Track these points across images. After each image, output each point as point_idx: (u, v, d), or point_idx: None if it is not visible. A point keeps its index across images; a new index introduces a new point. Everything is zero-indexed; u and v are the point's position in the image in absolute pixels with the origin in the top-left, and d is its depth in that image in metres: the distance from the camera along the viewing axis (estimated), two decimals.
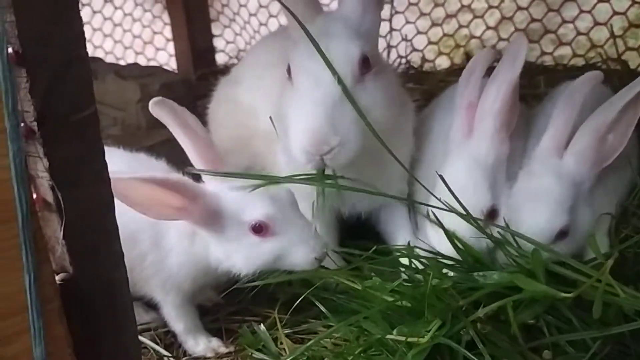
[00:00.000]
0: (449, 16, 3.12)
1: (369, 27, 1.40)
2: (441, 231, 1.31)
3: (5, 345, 0.85)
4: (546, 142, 1.42)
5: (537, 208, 1.34)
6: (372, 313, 1.15)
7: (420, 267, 1.29)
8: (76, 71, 0.93)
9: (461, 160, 1.41)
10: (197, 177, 1.43)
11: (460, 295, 1.10)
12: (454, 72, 3.04)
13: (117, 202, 1.01)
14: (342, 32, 1.34)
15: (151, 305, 1.50)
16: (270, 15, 3.41)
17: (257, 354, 1.35)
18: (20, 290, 0.85)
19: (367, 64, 1.33)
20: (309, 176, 1.33)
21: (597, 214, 1.39)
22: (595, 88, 1.51)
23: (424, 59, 3.14)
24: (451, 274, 1.25)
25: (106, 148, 0.98)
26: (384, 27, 3.04)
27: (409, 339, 1.06)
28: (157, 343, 1.46)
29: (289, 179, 1.34)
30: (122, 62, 3.48)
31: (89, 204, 0.98)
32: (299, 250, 1.33)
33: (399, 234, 1.60)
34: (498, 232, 1.30)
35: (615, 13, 2.65)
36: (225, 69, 3.44)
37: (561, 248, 1.30)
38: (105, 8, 3.56)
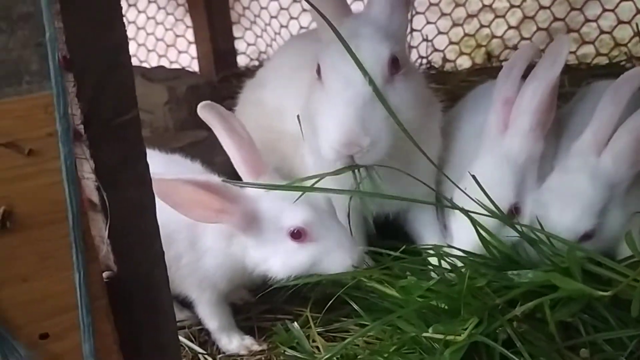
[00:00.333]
0: (470, 16, 3.12)
1: (397, 27, 1.41)
2: (467, 229, 1.31)
3: (55, 342, 0.87)
4: (586, 138, 1.40)
5: (566, 208, 1.34)
6: (407, 312, 1.15)
7: (449, 266, 1.29)
8: (120, 75, 0.95)
9: (491, 156, 1.41)
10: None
11: (495, 294, 1.11)
12: (476, 72, 3.03)
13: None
14: (371, 33, 1.35)
15: (185, 304, 1.52)
16: (291, 18, 3.44)
17: (290, 352, 1.36)
18: (71, 288, 0.87)
19: (396, 64, 1.34)
20: (340, 172, 1.33)
21: (631, 214, 1.38)
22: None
23: (445, 59, 3.14)
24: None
25: None
26: None
27: (447, 337, 1.06)
28: (191, 341, 1.48)
29: (326, 190, 1.34)
30: (145, 65, 3.53)
31: (131, 205, 1.00)
32: (335, 256, 1.35)
33: (427, 234, 1.61)
34: (527, 230, 1.30)
35: (639, 11, 2.63)
36: (247, 71, 3.48)
37: None
38: (129, 12, 3.61)
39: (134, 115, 0.98)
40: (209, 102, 1.48)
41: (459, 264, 1.27)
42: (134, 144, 0.99)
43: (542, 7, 2.92)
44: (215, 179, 1.39)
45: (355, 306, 1.34)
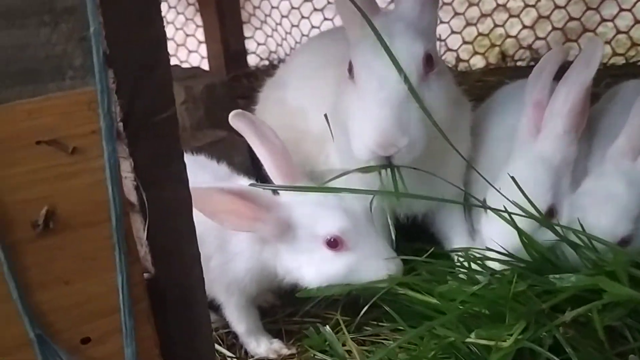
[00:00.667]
0: (483, 15, 3.09)
1: (427, 24, 1.38)
2: (502, 231, 1.29)
3: (98, 345, 0.84)
4: (620, 143, 1.38)
5: (602, 213, 1.31)
6: (450, 318, 1.12)
7: (480, 269, 1.26)
8: (159, 72, 0.92)
9: (525, 158, 1.39)
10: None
11: (538, 299, 1.08)
12: (490, 72, 3.01)
13: None
14: (404, 31, 1.32)
15: (212, 306, 1.49)
16: (302, 17, 3.41)
17: (320, 356, 1.33)
18: (113, 291, 0.85)
19: (430, 62, 1.31)
20: (370, 170, 1.30)
21: None
22: None
23: (458, 59, 3.12)
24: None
25: None
26: None
27: (491, 343, 1.03)
28: (219, 344, 1.45)
29: (358, 191, 1.31)
30: None
31: (168, 205, 0.98)
32: (371, 266, 1.33)
33: (455, 236, 1.58)
34: (566, 233, 1.27)
35: None
36: (257, 71, 3.46)
37: None
38: None
39: (172, 112, 0.95)
40: (239, 110, 1.47)
41: (496, 267, 1.24)
42: (171, 142, 0.96)
43: (557, 7, 2.90)
44: (248, 187, 1.36)
45: (390, 311, 1.30)
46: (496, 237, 1.29)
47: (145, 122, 0.92)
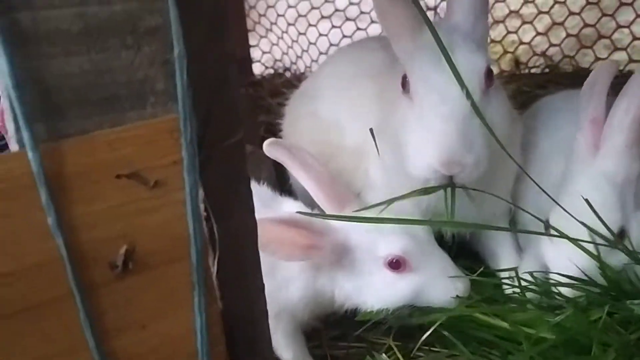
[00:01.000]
0: (496, 22, 3.06)
1: (482, 37, 1.33)
2: (569, 254, 1.24)
3: None
4: None
5: None
6: (539, 349, 1.06)
7: (553, 296, 1.21)
8: (229, 93, 0.86)
9: (587, 177, 1.33)
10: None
11: (620, 327, 1.02)
12: (504, 79, 2.97)
13: None
14: (463, 43, 1.27)
15: None
16: (310, 25, 3.35)
17: None
18: (190, 332, 0.78)
19: (490, 76, 1.26)
20: (432, 191, 1.25)
21: None
22: None
23: None
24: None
25: None
26: None
27: None
28: None
29: (415, 221, 1.26)
30: None
31: (237, 235, 0.91)
32: (438, 287, 1.27)
33: (504, 255, 1.52)
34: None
35: None
36: (262, 80, 3.39)
37: None
38: None
39: (240, 137, 0.89)
40: (273, 139, 1.42)
41: (568, 293, 1.18)
42: (240, 167, 0.90)
43: (571, 13, 2.87)
44: (299, 214, 1.30)
45: (450, 337, 1.24)
46: (564, 261, 1.23)
47: (216, 148, 0.85)
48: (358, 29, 3.17)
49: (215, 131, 0.85)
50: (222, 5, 0.80)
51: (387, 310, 1.30)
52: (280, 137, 1.96)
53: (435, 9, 2.98)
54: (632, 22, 2.71)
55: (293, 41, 3.41)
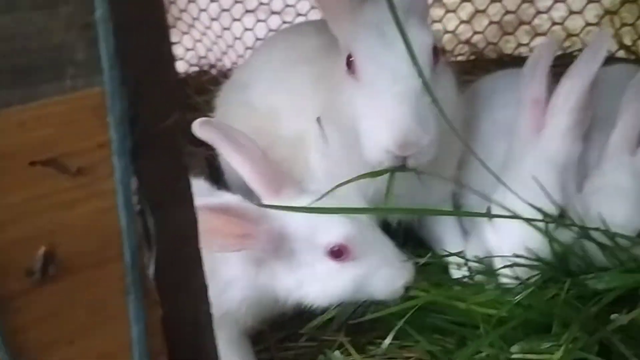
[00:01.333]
0: None
1: (423, 11, 1.28)
2: (515, 234, 1.21)
3: None
4: (615, 140, 1.35)
5: (616, 209, 1.27)
6: (502, 331, 1.02)
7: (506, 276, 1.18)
8: (163, 67, 0.75)
9: (530, 159, 1.32)
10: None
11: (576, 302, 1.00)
12: None
13: None
14: (408, 19, 1.20)
15: None
16: (234, 19, 3.23)
17: None
18: (126, 346, 0.67)
19: (437, 53, 1.22)
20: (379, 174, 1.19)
21: None
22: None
23: None
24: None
25: None
26: None
27: (541, 357, 0.94)
28: None
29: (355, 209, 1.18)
30: None
31: (177, 230, 0.81)
32: (384, 275, 1.20)
33: (448, 238, 1.49)
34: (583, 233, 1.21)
35: (589, 1, 2.68)
36: (188, 78, 3.24)
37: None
38: None
39: (177, 117, 0.79)
40: (205, 118, 1.32)
41: (523, 273, 1.15)
42: (177, 154, 0.80)
43: (493, 1, 2.91)
44: (232, 200, 1.20)
45: (410, 331, 1.18)
46: (512, 241, 1.21)
47: (151, 128, 0.75)
48: (284, 22, 3.09)
49: (149, 109, 0.74)
50: None
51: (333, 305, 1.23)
52: None
53: None
54: (550, 8, 2.79)
55: (217, 37, 3.28)
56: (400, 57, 1.15)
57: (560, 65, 2.62)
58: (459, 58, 3.03)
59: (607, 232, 1.18)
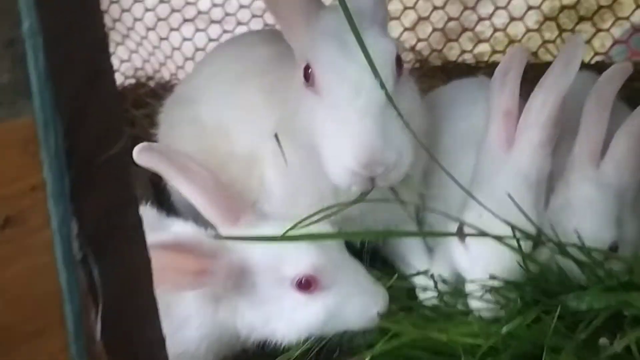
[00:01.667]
0: None
1: (383, 18, 1.21)
2: (489, 255, 1.16)
3: None
4: (578, 151, 1.31)
5: (584, 223, 1.24)
6: None
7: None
8: (104, 89, 0.64)
9: (502, 174, 1.26)
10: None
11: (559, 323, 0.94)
12: None
13: None
14: (368, 26, 1.13)
15: None
16: (172, 29, 3.10)
17: None
18: None
19: (400, 63, 1.14)
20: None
21: None
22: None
23: None
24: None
25: None
26: None
27: None
28: None
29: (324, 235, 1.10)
30: None
31: (125, 278, 0.70)
32: (357, 305, 1.12)
33: (413, 258, 1.42)
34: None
35: (530, 7, 2.72)
36: (124, 90, 3.08)
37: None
38: None
39: (123, 144, 0.67)
40: (146, 143, 1.21)
41: (499, 300, 1.09)
42: (124, 186, 0.68)
43: (435, 8, 2.91)
44: (185, 234, 1.09)
45: None
46: (486, 263, 1.15)
47: (93, 162, 0.63)
48: (225, 31, 3.00)
49: (90, 139, 0.63)
50: None
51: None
52: None
53: None
54: (492, 14, 2.81)
55: (154, 47, 3.14)
56: (362, 68, 1.08)
57: None
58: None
59: (582, 248, 1.14)
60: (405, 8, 2.95)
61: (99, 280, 0.63)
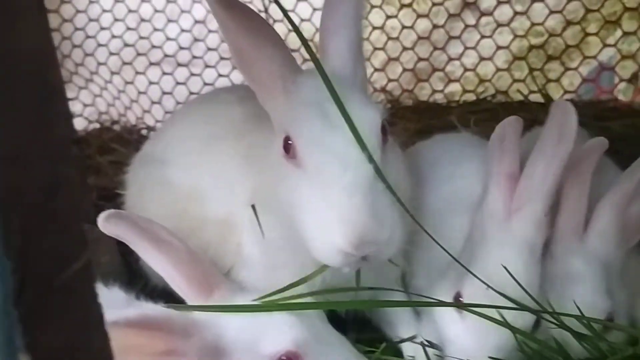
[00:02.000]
0: None
1: (363, 83, 1.15)
2: (484, 333, 1.11)
3: None
4: (562, 225, 1.28)
5: (577, 296, 1.19)
6: None
7: None
8: (63, 200, 0.57)
9: (506, 244, 1.19)
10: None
11: None
12: None
13: None
14: (349, 94, 1.06)
15: None
16: (137, 72, 3.04)
17: None
18: None
19: (385, 131, 1.08)
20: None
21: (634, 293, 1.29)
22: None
23: None
24: None
25: None
26: None
27: None
28: None
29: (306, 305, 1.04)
30: None
31: None
32: None
33: (400, 323, 1.35)
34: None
35: (499, 47, 2.74)
36: (88, 136, 2.98)
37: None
38: None
39: (87, 258, 0.60)
40: (112, 211, 1.12)
41: None
42: (91, 309, 0.60)
43: (405, 48, 2.92)
44: (152, 310, 1.01)
45: None
46: (486, 341, 1.09)
47: (46, 287, 0.55)
48: (192, 74, 2.95)
49: (46, 261, 0.55)
50: None
51: None
52: (120, 206, 1.63)
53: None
54: (462, 55, 2.82)
55: (120, 91, 3.07)
56: (347, 141, 1.01)
57: (478, 111, 2.63)
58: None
59: (581, 318, 1.09)
60: (375, 49, 2.94)
61: None
